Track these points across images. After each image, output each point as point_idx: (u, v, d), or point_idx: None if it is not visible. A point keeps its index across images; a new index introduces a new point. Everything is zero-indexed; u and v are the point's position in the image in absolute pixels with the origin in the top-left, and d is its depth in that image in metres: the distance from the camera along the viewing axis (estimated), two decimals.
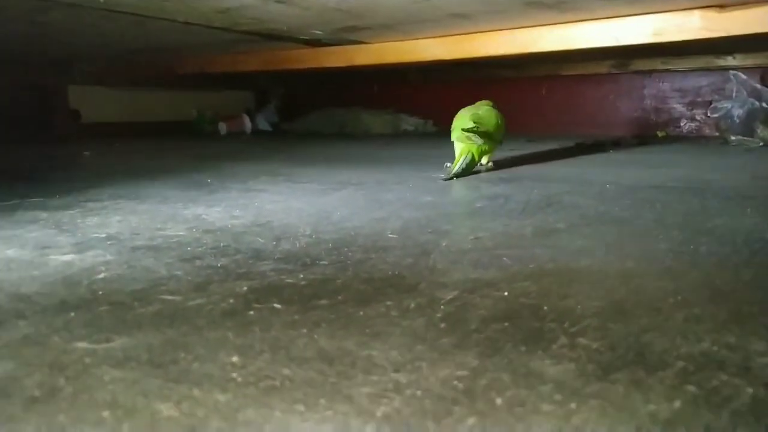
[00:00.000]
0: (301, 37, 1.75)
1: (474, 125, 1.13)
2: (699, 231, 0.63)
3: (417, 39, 1.69)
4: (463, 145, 1.15)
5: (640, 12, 1.36)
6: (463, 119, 1.19)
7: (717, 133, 2.03)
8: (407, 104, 2.70)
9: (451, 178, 1.07)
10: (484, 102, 1.31)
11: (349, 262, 0.51)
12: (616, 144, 1.81)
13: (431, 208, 0.78)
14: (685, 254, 0.53)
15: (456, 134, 1.19)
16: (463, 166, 1.10)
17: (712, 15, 1.31)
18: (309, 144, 2.01)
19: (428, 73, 2.58)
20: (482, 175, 1.13)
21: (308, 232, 0.63)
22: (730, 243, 0.57)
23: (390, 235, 0.61)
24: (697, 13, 1.32)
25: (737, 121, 1.82)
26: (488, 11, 1.33)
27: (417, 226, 0.66)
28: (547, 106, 2.52)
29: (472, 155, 1.13)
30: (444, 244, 0.58)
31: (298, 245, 0.57)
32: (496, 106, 1.30)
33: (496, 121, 1.19)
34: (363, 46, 1.78)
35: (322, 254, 0.54)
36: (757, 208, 0.75)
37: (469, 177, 1.08)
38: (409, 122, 2.62)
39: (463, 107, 1.29)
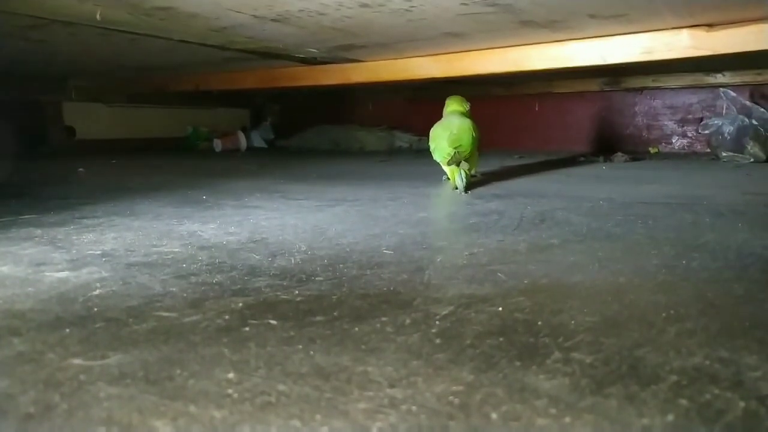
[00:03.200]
0: (297, 55, 1.76)
1: (454, 151, 1.14)
2: (691, 246, 0.63)
3: (411, 57, 1.71)
4: (452, 167, 1.16)
5: (630, 31, 1.39)
6: (440, 143, 1.20)
7: (708, 150, 2.06)
8: (401, 121, 2.72)
9: (466, 191, 1.11)
10: (454, 107, 1.31)
11: (344, 278, 0.52)
12: (609, 160, 1.82)
13: (426, 224, 0.78)
14: (677, 269, 0.54)
15: (440, 158, 1.20)
16: (464, 178, 1.12)
17: (700, 34, 1.34)
18: (304, 161, 2.02)
19: (421, 90, 2.60)
20: (476, 190, 1.14)
21: (303, 249, 0.63)
22: (722, 258, 0.58)
23: (385, 251, 0.61)
24: (685, 32, 1.35)
25: (728, 137, 1.85)
26: (482, 30, 1.35)
27: (412, 242, 0.66)
28: (540, 123, 2.54)
29: (464, 170, 1.15)
30: (439, 259, 0.58)
31: (293, 261, 0.57)
32: (467, 111, 1.31)
33: (471, 135, 1.20)
34: (358, 64, 1.80)
35: (318, 270, 0.54)
36: (748, 223, 0.76)
37: (462, 196, 1.09)
38: (403, 139, 2.64)
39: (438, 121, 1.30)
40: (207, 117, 2.83)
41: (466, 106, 1.33)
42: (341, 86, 1.99)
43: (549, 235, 0.70)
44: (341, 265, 0.55)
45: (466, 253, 0.61)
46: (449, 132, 1.21)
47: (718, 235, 0.69)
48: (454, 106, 1.33)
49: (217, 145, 2.63)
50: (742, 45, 1.30)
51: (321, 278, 0.51)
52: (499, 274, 0.52)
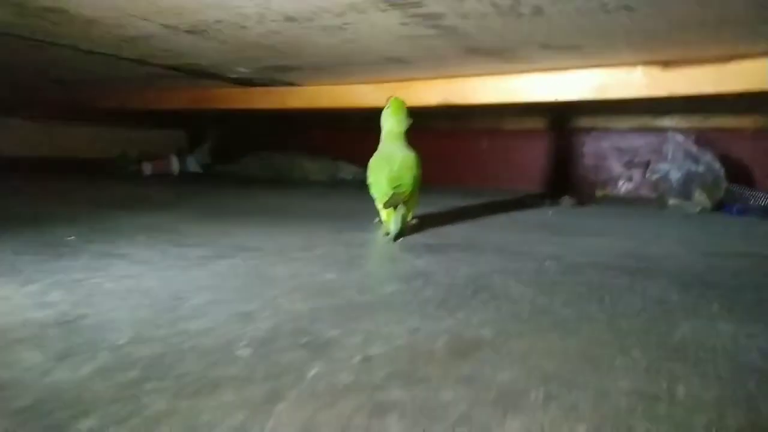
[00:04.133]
0: (230, 76, 1.56)
1: (392, 192, 0.95)
2: (666, 348, 0.45)
3: (353, 84, 1.52)
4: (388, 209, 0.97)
5: (583, 65, 1.24)
6: (379, 178, 1.01)
7: (654, 195, 1.94)
8: (347, 152, 2.52)
9: (396, 239, 0.92)
10: (391, 131, 1.09)
11: (134, 418, 0.30)
12: (555, 203, 1.67)
13: (326, 294, 0.57)
14: (658, 403, 0.35)
15: (376, 195, 1.01)
16: (400, 225, 0.93)
17: (655, 72, 1.20)
18: (232, 190, 1.79)
19: (369, 121, 2.42)
20: (408, 239, 0.94)
21: (122, 342, 0.41)
22: (713, 375, 0.39)
23: (239, 352, 0.40)
24: (640, 69, 1.21)
25: (675, 184, 1.73)
26: (426, 57, 1.18)
27: (290, 331, 0.45)
28: (486, 160, 2.39)
29: (402, 213, 0.96)
30: (312, 373, 0.38)
31: (80, 372, 0.36)
32: (406, 140, 1.09)
33: (413, 174, 1.01)
34: (296, 88, 1.60)
35: (103, 397, 0.33)
36: (723, 303, 0.59)
37: (389, 245, 0.89)
38: (348, 170, 2.44)
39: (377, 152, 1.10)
40: (140, 138, 2.57)
41: (405, 124, 1.11)
42: (282, 111, 1.79)
43: (481, 319, 0.51)
44: (150, 386, 0.34)
45: (359, 357, 0.41)
46: (389, 168, 1.01)
47: (695, 325, 0.51)
48: (391, 127, 1.10)
49: (147, 168, 2.37)
50: (698, 86, 1.17)
51: (92, 422, 0.30)
52: (391, 416, 0.32)
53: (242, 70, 1.41)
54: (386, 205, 0.97)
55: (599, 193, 2.16)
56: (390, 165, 1.02)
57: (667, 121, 2.04)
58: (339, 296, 0.57)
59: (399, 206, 0.96)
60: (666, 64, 1.19)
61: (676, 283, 0.68)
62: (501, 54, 1.13)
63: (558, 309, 0.55)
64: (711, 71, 1.15)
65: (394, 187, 0.97)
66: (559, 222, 1.28)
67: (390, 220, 0.96)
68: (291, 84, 1.59)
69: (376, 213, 1.03)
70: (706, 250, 0.93)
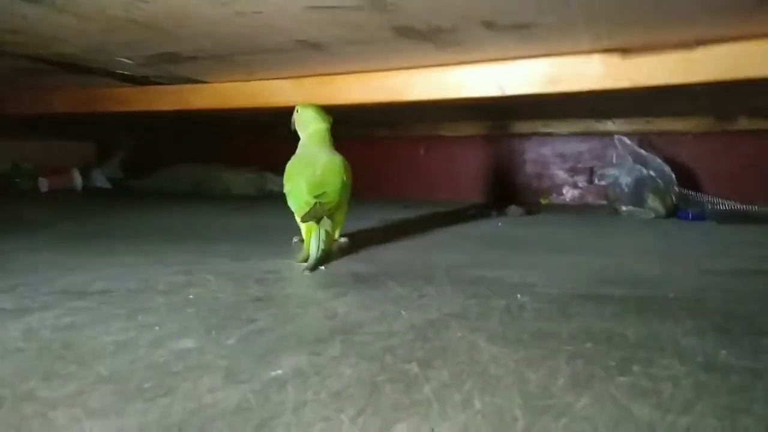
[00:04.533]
0: (117, 71, 1.27)
1: (315, 201, 0.72)
2: None
3: (267, 80, 1.27)
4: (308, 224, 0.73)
5: (532, 54, 1.04)
6: (297, 183, 0.77)
7: (603, 202, 1.79)
8: (275, 161, 2.25)
9: (315, 268, 0.68)
10: (314, 126, 0.90)
11: None
12: (502, 214, 1.48)
13: (150, 396, 0.32)
14: None
15: (294, 206, 0.77)
16: (322, 248, 0.69)
17: (615, 61, 1.02)
18: (136, 207, 1.49)
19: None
20: (332, 265, 0.70)
21: None
22: None
23: None
24: (596, 57, 1.02)
25: (626, 189, 1.57)
26: (347, 40, 0.95)
27: None
28: (426, 169, 2.19)
29: (326, 231, 0.72)
30: None
31: None
32: (332, 141, 0.89)
33: (341, 180, 0.79)
34: (200, 86, 1.33)
35: None
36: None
37: (305, 277, 0.65)
38: (276, 182, 2.17)
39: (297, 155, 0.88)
40: (37, 150, 2.21)
41: (329, 122, 0.92)
42: (189, 114, 1.51)
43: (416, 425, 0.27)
44: None
45: None
46: (311, 171, 0.79)
47: (747, 402, 0.30)
48: (314, 126, 0.90)
49: (44, 184, 2.01)
50: (661, 76, 1.00)
51: None
52: None
53: (124, 60, 1.13)
54: (305, 219, 0.73)
55: (543, 200, 1.99)
56: (312, 168, 0.80)
57: (609, 125, 1.90)
58: (176, 400, 0.31)
59: (322, 221, 0.73)
60: (625, 51, 1.01)
61: (704, 323, 0.47)
62: (437, 37, 0.92)
63: (565, 399, 0.32)
64: (676, 59, 0.99)
65: (316, 196, 0.74)
66: (513, 235, 1.07)
67: (309, 239, 0.72)
68: (195, 81, 1.32)
69: (298, 231, 0.79)
70: (702, 267, 0.74)
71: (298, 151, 0.90)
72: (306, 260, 0.70)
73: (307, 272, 0.66)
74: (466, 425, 0.29)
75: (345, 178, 0.81)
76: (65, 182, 2.08)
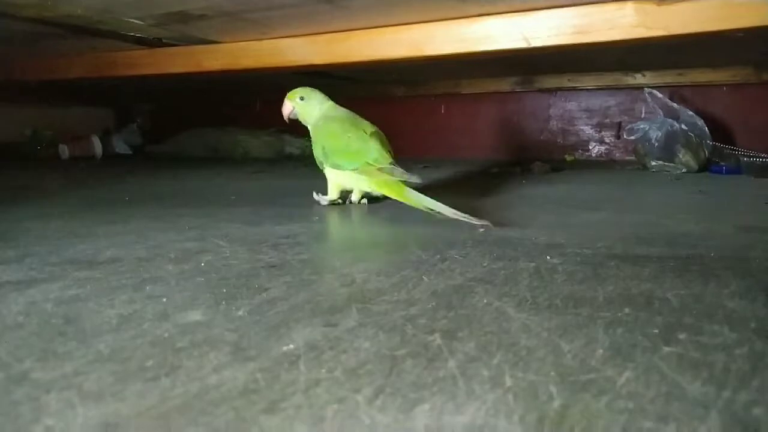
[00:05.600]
0: (129, 33, 1.23)
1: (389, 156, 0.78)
2: None
3: (279, 38, 1.22)
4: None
5: (560, 3, 0.97)
6: (359, 144, 0.79)
7: (631, 157, 1.72)
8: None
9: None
10: (329, 104, 0.91)
11: None
12: (527, 170, 1.42)
13: (152, 373, 0.30)
14: None
15: (370, 159, 0.78)
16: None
17: (649, 8, 0.94)
18: (154, 172, 1.48)
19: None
20: (351, 234, 0.67)
21: None
22: None
23: None
24: (630, 5, 0.95)
25: (656, 144, 1.50)
26: None
27: None
28: (446, 127, 2.12)
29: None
30: None
31: None
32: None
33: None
34: (212, 46, 1.29)
35: None
36: None
37: (321, 242, 0.62)
38: (294, 144, 2.14)
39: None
40: (57, 117, 2.20)
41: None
42: (200, 75, 1.47)
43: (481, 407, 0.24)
44: None
45: None
46: (372, 129, 0.83)
47: None
48: (326, 102, 0.90)
49: (64, 151, 2.01)
50: (704, 23, 0.92)
51: None
52: None
53: (135, 21, 1.08)
54: (384, 168, 0.76)
55: (568, 157, 1.92)
56: (362, 127, 0.82)
57: (639, 78, 1.80)
58: (177, 381, 0.29)
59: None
60: None
61: (752, 283, 0.43)
62: None
63: (605, 373, 0.29)
64: (715, 4, 0.91)
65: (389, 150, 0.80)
66: (539, 193, 1.02)
67: (404, 196, 0.74)
68: (207, 41, 1.27)
69: (321, 189, 0.77)
70: (742, 223, 0.69)
71: (328, 113, 0.88)
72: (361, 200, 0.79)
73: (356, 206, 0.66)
74: (496, 406, 0.25)
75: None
76: (85, 149, 2.08)
